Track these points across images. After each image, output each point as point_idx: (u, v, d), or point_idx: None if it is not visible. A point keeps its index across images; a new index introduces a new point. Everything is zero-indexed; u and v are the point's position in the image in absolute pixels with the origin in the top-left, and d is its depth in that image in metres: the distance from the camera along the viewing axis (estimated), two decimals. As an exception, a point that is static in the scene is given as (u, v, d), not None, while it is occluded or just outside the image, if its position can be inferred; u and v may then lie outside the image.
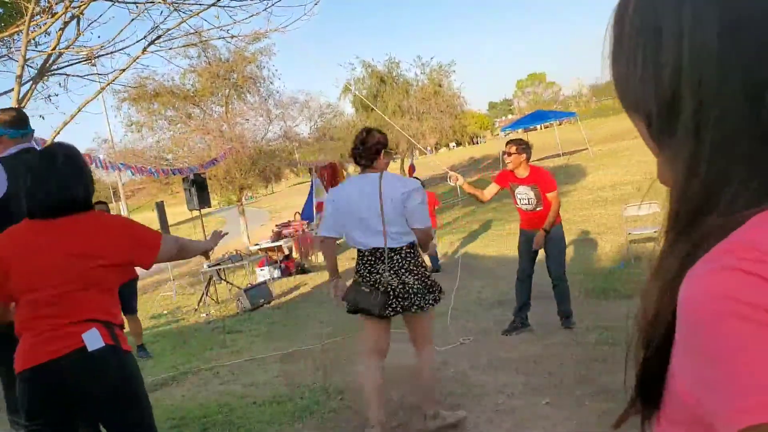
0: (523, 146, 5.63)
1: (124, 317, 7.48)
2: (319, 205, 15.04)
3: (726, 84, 0.50)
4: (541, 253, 5.86)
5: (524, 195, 5.66)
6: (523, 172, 5.61)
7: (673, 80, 0.53)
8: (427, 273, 3.81)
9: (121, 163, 10.26)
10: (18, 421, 2.83)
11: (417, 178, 12.75)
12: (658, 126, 0.56)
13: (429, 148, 26.98)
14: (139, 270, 7.95)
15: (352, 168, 22.76)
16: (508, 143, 5.73)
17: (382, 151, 3.77)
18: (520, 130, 34.96)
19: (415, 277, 3.70)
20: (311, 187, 16.29)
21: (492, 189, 5.77)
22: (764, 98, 0.49)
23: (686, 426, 0.48)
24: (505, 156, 5.67)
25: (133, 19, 6.33)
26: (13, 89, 5.72)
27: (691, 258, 0.51)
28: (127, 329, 7.89)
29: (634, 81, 0.57)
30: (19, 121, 3.42)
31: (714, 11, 0.50)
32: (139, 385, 2.58)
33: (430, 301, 3.74)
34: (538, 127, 38.93)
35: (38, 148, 3.36)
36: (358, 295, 3.72)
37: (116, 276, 2.58)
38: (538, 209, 5.63)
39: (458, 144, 58.66)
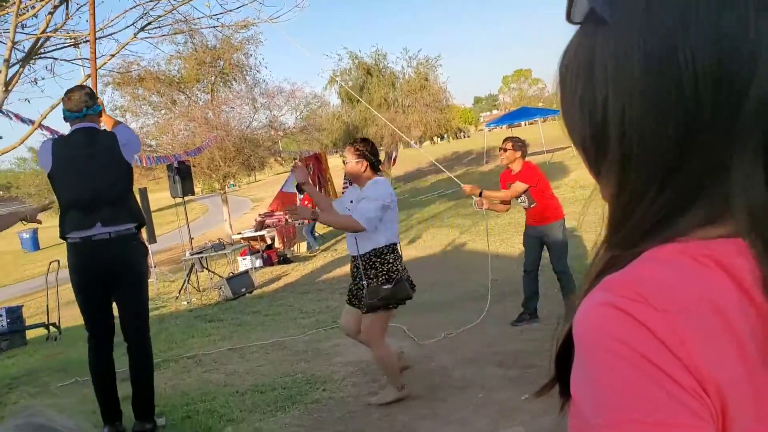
0: (519, 143, 5.84)
1: None
2: (287, 195, 14.88)
3: (647, 117, 0.54)
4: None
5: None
6: (516, 168, 5.79)
7: (602, 110, 0.57)
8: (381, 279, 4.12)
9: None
10: None
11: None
12: (593, 157, 0.61)
13: (413, 141, 26.99)
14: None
15: (333, 159, 22.68)
16: (504, 140, 5.94)
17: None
18: (504, 126, 35.04)
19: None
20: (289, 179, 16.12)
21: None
22: (681, 134, 0.53)
23: (574, 419, 0.55)
24: (501, 152, 5.88)
25: (129, 9, 6.31)
26: (0, 71, 5.68)
27: (603, 274, 0.57)
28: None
29: (574, 115, 0.61)
30: (68, 103, 3.82)
31: (638, 45, 0.54)
32: None
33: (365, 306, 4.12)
34: (522, 123, 39.10)
35: (96, 128, 3.88)
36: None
37: None
38: (532, 206, 5.77)
39: (442, 138, 58.66)
